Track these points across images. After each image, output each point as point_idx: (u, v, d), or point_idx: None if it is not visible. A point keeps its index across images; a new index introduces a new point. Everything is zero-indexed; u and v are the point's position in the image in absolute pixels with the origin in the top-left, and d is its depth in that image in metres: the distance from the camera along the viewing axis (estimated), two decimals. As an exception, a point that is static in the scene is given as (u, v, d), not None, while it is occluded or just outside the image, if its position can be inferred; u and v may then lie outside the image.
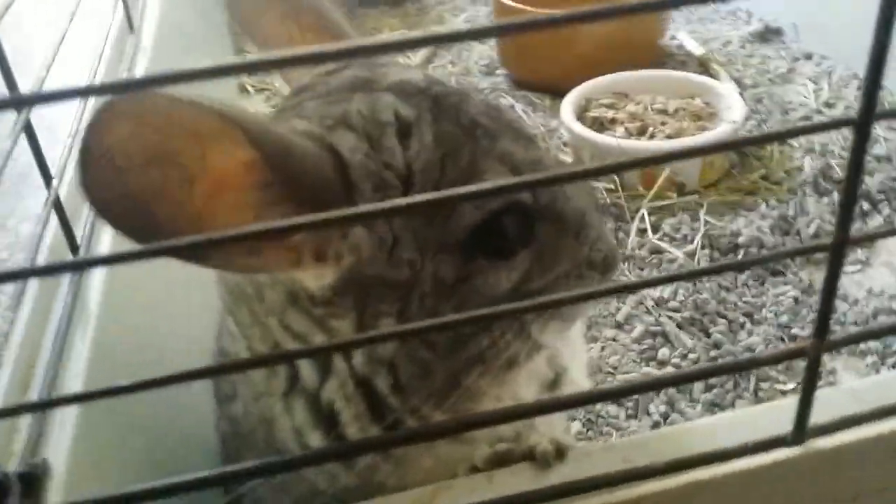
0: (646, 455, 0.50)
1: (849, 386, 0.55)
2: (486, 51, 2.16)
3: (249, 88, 2.07)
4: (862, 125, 0.39)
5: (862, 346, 1.18)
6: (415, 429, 0.52)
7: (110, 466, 0.61)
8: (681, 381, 0.58)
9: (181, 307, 0.80)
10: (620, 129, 1.60)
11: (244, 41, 2.09)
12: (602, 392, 0.54)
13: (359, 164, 0.49)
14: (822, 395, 0.57)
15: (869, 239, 0.95)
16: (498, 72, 2.07)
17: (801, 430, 0.49)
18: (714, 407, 1.09)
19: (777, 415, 0.50)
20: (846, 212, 0.41)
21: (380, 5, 2.48)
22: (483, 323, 0.51)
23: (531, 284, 0.53)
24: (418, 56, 2.13)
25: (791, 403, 0.49)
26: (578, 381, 0.71)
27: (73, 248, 0.71)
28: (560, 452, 0.51)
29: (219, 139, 0.42)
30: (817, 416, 0.50)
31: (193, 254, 0.42)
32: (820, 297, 0.45)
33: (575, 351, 0.71)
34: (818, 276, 1.32)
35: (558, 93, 1.76)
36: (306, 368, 0.53)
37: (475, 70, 2.08)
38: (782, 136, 0.38)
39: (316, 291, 0.50)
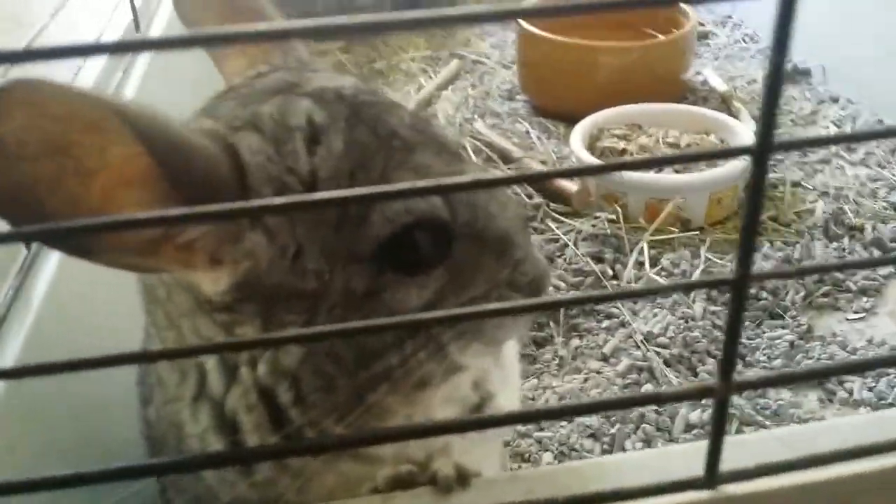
0: (550, 488, 0.47)
1: (780, 431, 0.52)
2: (508, 76, 2.15)
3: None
4: (760, 155, 0.36)
5: (856, 395, 1.13)
6: (308, 440, 0.50)
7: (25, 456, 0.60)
8: (592, 410, 0.55)
9: (125, 308, 0.79)
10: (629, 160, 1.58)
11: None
12: (500, 417, 0.51)
13: (258, 167, 0.47)
14: (750, 438, 0.54)
15: (767, 277, 0.92)
16: (518, 97, 2.06)
17: (712, 474, 0.46)
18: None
19: (695, 456, 0.48)
20: (747, 247, 0.39)
21: (409, 26, 2.48)
22: (392, 339, 0.50)
23: (445, 304, 0.51)
24: (440, 77, 2.13)
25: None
26: (505, 408, 0.68)
27: None
28: (463, 479, 0.48)
29: (120, 133, 0.40)
30: (740, 461, 0.47)
31: (73, 245, 0.41)
32: (725, 336, 0.42)
33: (506, 376, 0.68)
34: (820, 322, 1.28)
35: (576, 121, 1.74)
36: (214, 376, 0.52)
37: (495, 94, 2.07)
38: (669, 161, 0.35)
39: (213, 296, 0.49)
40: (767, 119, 0.36)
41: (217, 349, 0.50)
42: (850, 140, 1.73)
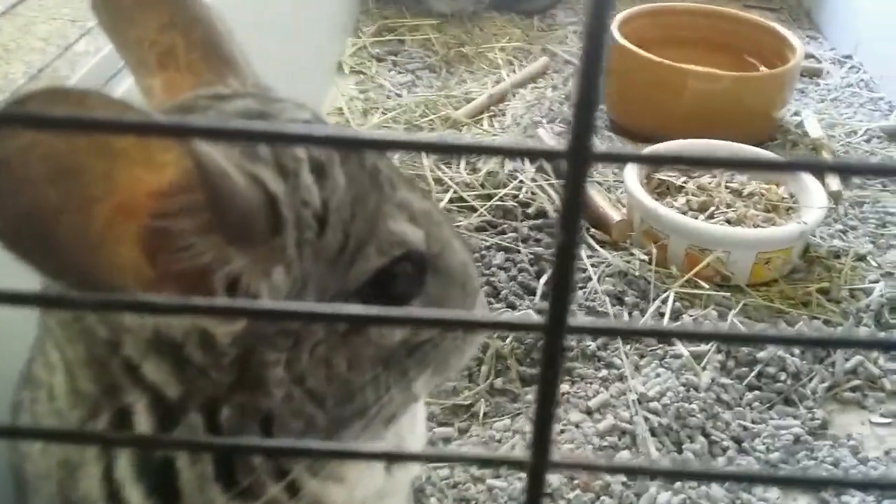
0: None
1: None
2: (594, 82, 2.04)
3: (346, 68, 2.06)
4: (573, 158, 0.25)
5: (851, 513, 1.03)
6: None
7: None
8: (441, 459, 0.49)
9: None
10: (682, 199, 1.47)
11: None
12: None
13: (284, 199, 0.46)
14: None
15: (583, 332, 0.81)
16: (598, 107, 1.96)
17: None
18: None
19: None
20: (559, 295, 0.28)
21: (510, 13, 2.41)
22: (370, 375, 0.51)
23: (421, 336, 0.52)
24: (523, 72, 2.05)
25: None
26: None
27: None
28: None
29: (130, 156, 0.37)
30: None
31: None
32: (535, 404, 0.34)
33: (415, 421, 0.65)
34: (838, 419, 1.16)
35: (650, 143, 1.64)
36: (142, 417, 0.47)
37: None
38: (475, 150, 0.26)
39: (221, 338, 0.45)
40: (582, 115, 0.24)
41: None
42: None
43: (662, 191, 1.53)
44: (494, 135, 1.77)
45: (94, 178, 0.36)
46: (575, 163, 0.27)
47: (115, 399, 0.48)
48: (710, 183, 1.50)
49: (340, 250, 0.48)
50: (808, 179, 1.49)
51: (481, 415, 1.11)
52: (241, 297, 0.45)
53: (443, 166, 1.63)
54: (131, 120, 0.29)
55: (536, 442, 0.33)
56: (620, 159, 0.27)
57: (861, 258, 1.44)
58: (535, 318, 0.32)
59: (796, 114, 1.90)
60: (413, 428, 0.64)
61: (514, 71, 2.10)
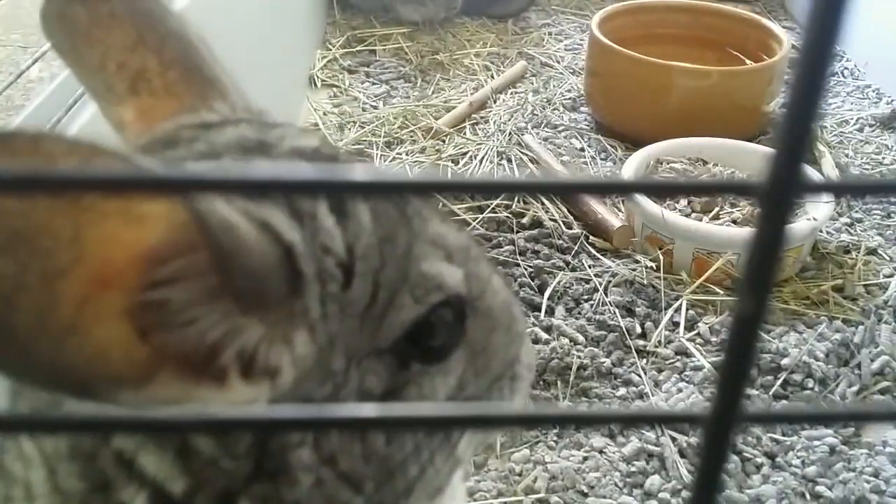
0: None
1: None
2: (575, 83, 1.99)
3: (318, 82, 1.97)
4: (774, 197, 0.20)
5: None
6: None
7: None
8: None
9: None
10: (684, 201, 1.41)
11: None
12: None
13: (303, 249, 0.37)
14: None
15: (756, 421, 0.74)
16: (582, 109, 1.90)
17: None
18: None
19: None
20: (737, 368, 0.22)
21: (482, 17, 2.34)
22: (412, 446, 0.43)
23: (467, 391, 0.46)
24: (502, 78, 1.98)
25: None
26: None
27: None
28: None
29: (102, 210, 0.28)
30: None
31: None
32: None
33: (455, 494, 0.57)
34: (871, 424, 1.10)
35: (639, 144, 1.58)
36: None
37: (557, 103, 1.91)
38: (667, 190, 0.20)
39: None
40: (792, 145, 0.19)
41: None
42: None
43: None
44: (479, 143, 1.70)
45: (57, 244, 0.28)
46: (779, 201, 0.20)
47: (107, 497, 0.39)
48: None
49: (370, 303, 0.41)
50: (814, 176, 1.44)
51: (498, 446, 1.03)
52: (258, 373, 0.37)
53: (429, 179, 1.56)
54: (106, 173, 0.20)
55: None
56: (833, 189, 0.20)
57: (872, 252, 1.39)
58: (695, 409, 0.24)
59: (784, 107, 1.85)
60: (454, 493, 0.56)
61: (492, 76, 2.03)
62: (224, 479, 0.38)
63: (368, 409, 0.21)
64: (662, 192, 0.21)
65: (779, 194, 0.19)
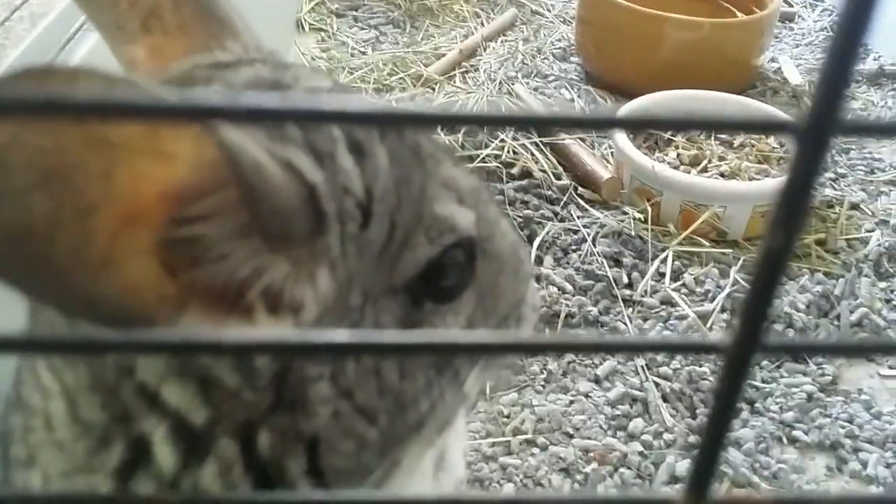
0: None
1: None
2: (566, 32, 1.98)
3: (305, 26, 1.95)
4: (811, 137, 0.20)
5: (871, 469, 1.00)
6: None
7: None
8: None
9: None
10: (673, 153, 1.43)
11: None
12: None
13: (324, 189, 0.38)
14: None
15: (777, 351, 0.76)
16: (572, 59, 1.90)
17: None
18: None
19: None
20: (760, 299, 0.22)
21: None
22: (423, 382, 0.45)
23: (476, 329, 0.47)
24: (492, 25, 1.97)
25: None
26: (455, 464, 0.59)
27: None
28: None
29: (132, 148, 0.29)
30: None
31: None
32: (701, 441, 0.29)
33: (457, 429, 0.59)
34: (847, 373, 1.14)
35: (629, 96, 1.58)
36: (164, 450, 0.40)
37: (548, 52, 1.90)
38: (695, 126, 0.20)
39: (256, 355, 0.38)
40: (833, 81, 0.19)
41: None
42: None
43: (651, 145, 1.48)
44: (469, 91, 1.70)
45: (88, 181, 0.29)
46: (818, 139, 0.21)
47: (128, 427, 0.40)
48: (699, 135, 1.45)
49: (387, 242, 0.42)
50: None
51: (487, 390, 1.06)
52: (284, 309, 0.38)
53: (419, 127, 1.56)
54: (141, 102, 0.21)
55: (695, 483, 0.28)
56: (870, 131, 0.21)
57: (854, 207, 1.41)
58: (714, 339, 0.25)
59: (773, 60, 1.86)
60: (457, 429, 0.58)
61: (482, 24, 2.02)
62: (245, 411, 0.39)
63: (388, 336, 0.23)
64: (690, 127, 0.21)
65: (818, 130, 0.20)
